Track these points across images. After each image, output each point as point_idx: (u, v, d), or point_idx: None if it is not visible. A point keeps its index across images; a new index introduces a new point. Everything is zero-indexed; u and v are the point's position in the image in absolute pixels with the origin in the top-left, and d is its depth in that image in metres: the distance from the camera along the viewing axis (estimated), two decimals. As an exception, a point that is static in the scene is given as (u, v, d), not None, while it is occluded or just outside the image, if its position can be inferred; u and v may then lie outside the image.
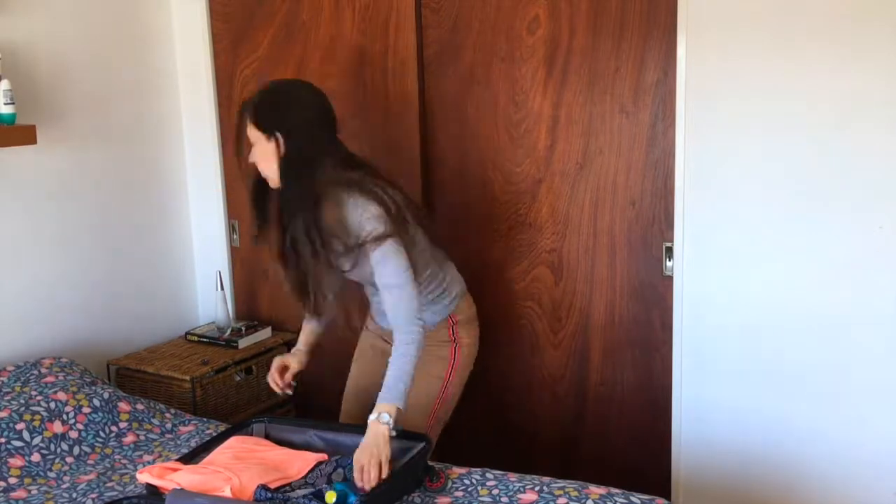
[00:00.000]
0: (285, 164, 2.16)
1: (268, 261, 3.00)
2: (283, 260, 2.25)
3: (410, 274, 2.15)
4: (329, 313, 2.40)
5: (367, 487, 1.91)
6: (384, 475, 1.94)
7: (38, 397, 2.44)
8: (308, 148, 2.17)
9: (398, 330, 2.13)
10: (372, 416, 2.04)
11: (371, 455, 1.95)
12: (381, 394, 2.08)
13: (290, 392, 2.40)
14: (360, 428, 2.19)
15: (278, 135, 2.15)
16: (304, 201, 2.14)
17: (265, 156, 2.18)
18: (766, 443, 2.48)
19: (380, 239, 2.11)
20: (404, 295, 2.13)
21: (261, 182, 2.27)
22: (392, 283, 2.13)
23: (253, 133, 2.18)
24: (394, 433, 2.01)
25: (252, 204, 2.35)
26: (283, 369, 2.41)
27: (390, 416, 2.02)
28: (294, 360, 2.42)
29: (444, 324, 2.38)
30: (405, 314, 2.13)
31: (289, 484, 1.98)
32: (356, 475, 1.94)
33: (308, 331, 2.47)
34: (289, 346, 3.24)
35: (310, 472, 2.03)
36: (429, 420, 2.38)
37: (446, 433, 2.49)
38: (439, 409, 2.39)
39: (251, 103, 2.19)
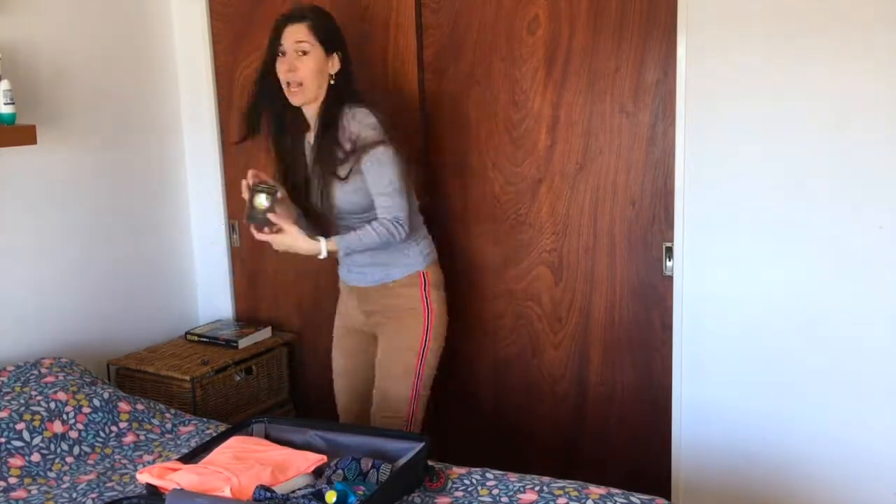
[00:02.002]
0: (337, 83, 2.36)
1: (267, 257, 3.01)
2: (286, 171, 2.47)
3: (402, 186, 2.34)
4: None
5: (274, 220, 2.25)
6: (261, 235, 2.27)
7: (38, 397, 2.44)
8: (352, 75, 2.41)
9: (382, 224, 2.32)
10: (321, 239, 2.30)
11: (284, 243, 2.30)
12: (335, 236, 2.33)
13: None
14: (361, 428, 2.20)
15: (338, 54, 2.37)
16: (337, 118, 2.35)
17: (317, 67, 2.33)
18: (766, 443, 2.48)
19: (375, 144, 2.30)
20: (395, 202, 2.32)
21: (269, 92, 2.40)
22: (386, 191, 2.32)
23: (311, 44, 2.32)
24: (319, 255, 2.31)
25: (253, 109, 2.46)
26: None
27: (328, 249, 2.30)
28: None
29: (416, 279, 2.46)
30: (391, 216, 2.32)
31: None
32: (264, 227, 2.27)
33: None
34: (288, 346, 3.25)
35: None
36: (411, 394, 2.47)
37: (446, 433, 2.49)
38: (418, 384, 2.48)
39: (311, 17, 2.33)
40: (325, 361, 3.12)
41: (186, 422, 2.54)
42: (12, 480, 2.19)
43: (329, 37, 2.36)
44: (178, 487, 1.85)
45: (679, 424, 2.59)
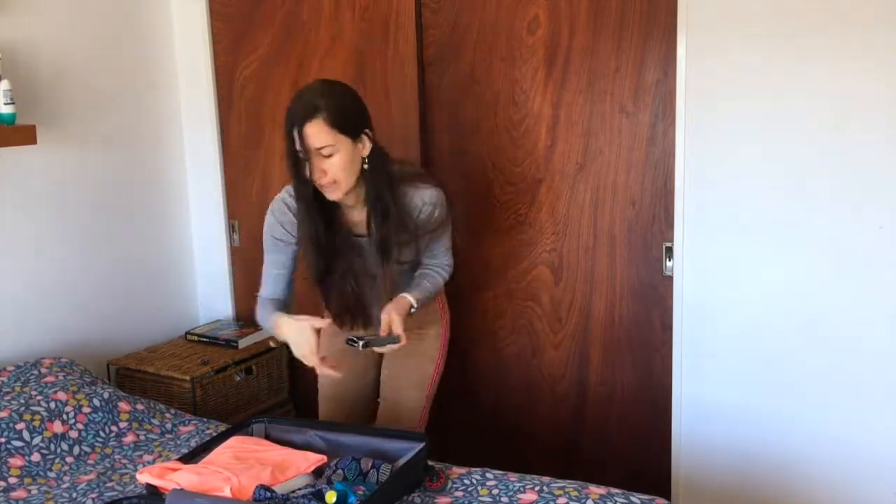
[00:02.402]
0: (373, 162, 2.13)
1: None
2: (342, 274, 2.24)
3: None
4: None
5: (396, 330, 2.12)
6: (396, 331, 2.13)
7: (38, 397, 2.44)
8: (381, 147, 2.18)
9: (440, 261, 2.32)
10: (405, 294, 2.20)
11: (395, 310, 2.14)
12: (414, 286, 2.25)
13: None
14: (361, 428, 2.20)
15: (367, 133, 2.12)
16: (393, 194, 2.17)
17: (350, 160, 2.08)
18: (766, 443, 2.48)
19: (447, 220, 2.26)
20: (450, 252, 2.35)
21: (314, 203, 2.15)
22: (449, 244, 2.33)
23: (335, 142, 2.03)
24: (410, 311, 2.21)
25: (314, 241, 2.19)
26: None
27: (418, 303, 2.20)
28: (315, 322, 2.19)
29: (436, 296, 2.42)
30: (449, 262, 2.35)
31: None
32: (384, 326, 2.12)
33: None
34: (289, 346, 3.24)
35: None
36: (424, 404, 2.42)
37: (446, 433, 2.49)
38: (431, 390, 2.44)
39: (324, 107, 2.02)
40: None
41: (186, 422, 2.54)
42: (12, 480, 2.19)
43: (351, 121, 2.07)
44: (178, 487, 1.85)
45: (679, 424, 2.59)
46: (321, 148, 2.03)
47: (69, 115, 2.89)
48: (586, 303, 2.73)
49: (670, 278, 2.56)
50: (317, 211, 2.16)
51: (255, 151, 3.21)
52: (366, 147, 2.11)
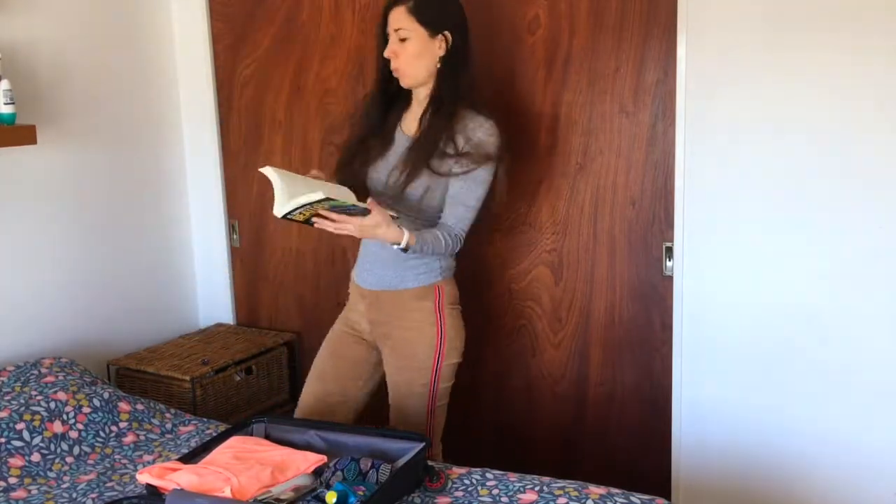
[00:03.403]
0: (449, 63, 2.22)
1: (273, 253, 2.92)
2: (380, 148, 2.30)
3: (479, 208, 2.27)
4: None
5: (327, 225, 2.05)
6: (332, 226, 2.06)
7: (38, 397, 2.44)
8: (467, 49, 2.24)
9: (450, 228, 2.24)
10: (405, 230, 2.13)
11: (368, 226, 2.07)
12: (415, 231, 2.17)
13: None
14: (361, 428, 2.19)
15: (445, 35, 2.21)
16: (456, 103, 2.21)
17: (420, 51, 2.19)
18: (766, 443, 2.48)
19: (489, 159, 2.20)
20: (468, 217, 2.25)
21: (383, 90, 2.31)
22: (472, 203, 2.24)
23: (410, 29, 2.18)
24: (396, 245, 2.14)
25: (377, 106, 2.33)
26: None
27: (407, 244, 2.13)
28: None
29: (430, 292, 2.32)
30: (462, 228, 2.26)
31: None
32: (338, 215, 2.04)
33: None
34: (289, 346, 3.25)
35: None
36: (427, 410, 2.38)
37: (447, 433, 2.48)
38: (433, 401, 2.37)
39: (410, 0, 2.18)
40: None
41: (186, 422, 2.54)
42: (12, 480, 2.19)
43: (434, 17, 2.20)
44: (178, 487, 1.85)
45: (679, 424, 2.59)
46: (398, 30, 2.18)
47: (69, 115, 2.89)
48: (586, 303, 2.73)
49: (670, 278, 2.56)
50: (381, 101, 2.33)
51: (255, 151, 3.21)
52: (441, 47, 2.21)
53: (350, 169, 2.35)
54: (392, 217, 2.13)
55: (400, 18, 2.18)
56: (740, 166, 2.38)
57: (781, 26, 2.26)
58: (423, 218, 2.29)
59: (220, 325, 3.39)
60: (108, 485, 2.18)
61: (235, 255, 3.35)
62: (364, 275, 2.40)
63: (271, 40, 3.08)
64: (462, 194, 2.23)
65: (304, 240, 3.18)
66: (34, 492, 2.16)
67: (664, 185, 2.54)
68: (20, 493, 2.15)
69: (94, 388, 2.56)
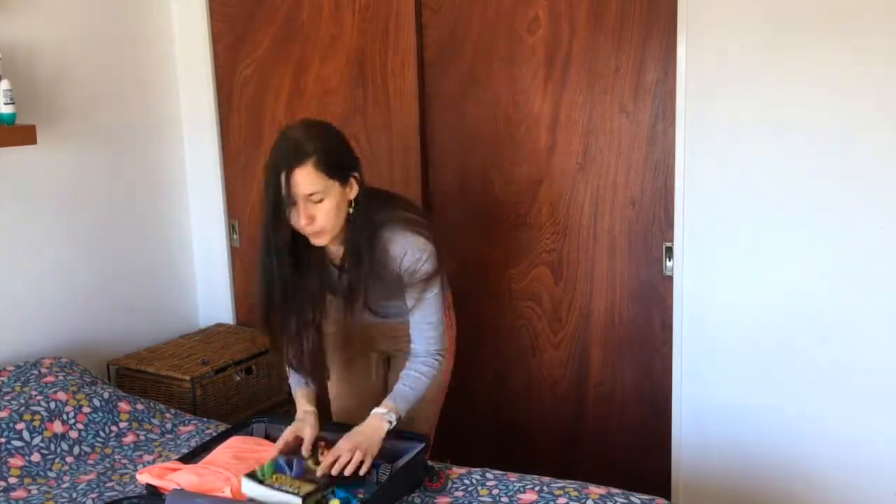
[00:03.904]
0: (361, 204, 2.00)
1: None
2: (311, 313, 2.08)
3: (445, 308, 2.15)
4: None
5: (335, 472, 1.88)
6: (362, 472, 1.90)
7: (38, 397, 2.44)
8: (364, 183, 2.04)
9: (424, 355, 2.11)
10: (380, 410, 2.01)
11: (359, 446, 1.92)
12: (391, 396, 2.06)
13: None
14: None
15: (354, 177, 1.99)
16: (372, 242, 2.02)
17: (338, 205, 1.96)
18: (766, 443, 2.48)
19: (432, 278, 2.06)
20: (440, 329, 2.12)
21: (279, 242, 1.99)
22: (434, 319, 2.10)
23: (322, 185, 1.91)
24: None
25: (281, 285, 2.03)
26: (296, 441, 2.06)
27: (397, 419, 2.02)
28: (306, 425, 2.08)
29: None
30: (436, 346, 2.11)
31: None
32: (328, 458, 1.89)
33: (305, 393, 2.22)
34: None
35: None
36: (435, 414, 2.37)
37: (447, 433, 2.49)
38: (441, 403, 2.39)
39: (313, 150, 1.90)
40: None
41: (186, 422, 2.54)
42: (12, 480, 2.19)
43: (340, 163, 1.96)
44: (178, 487, 1.85)
45: (679, 424, 2.59)
46: (311, 194, 1.91)
47: (69, 115, 2.89)
48: (586, 303, 2.73)
49: (670, 278, 2.56)
50: (288, 254, 2.01)
51: (255, 151, 3.21)
52: (353, 190, 2.00)
53: (300, 358, 2.15)
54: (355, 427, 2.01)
55: (308, 181, 1.89)
56: (740, 166, 2.38)
57: (781, 26, 2.26)
58: (401, 311, 2.18)
59: (220, 325, 3.39)
60: (108, 485, 2.18)
61: (235, 254, 3.35)
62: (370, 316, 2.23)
63: (271, 40, 3.08)
64: (422, 320, 2.10)
65: (304, 240, 3.18)
66: (34, 492, 2.16)
67: (664, 185, 2.54)
68: (20, 493, 2.15)
69: (94, 388, 2.56)
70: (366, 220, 2.02)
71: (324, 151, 1.91)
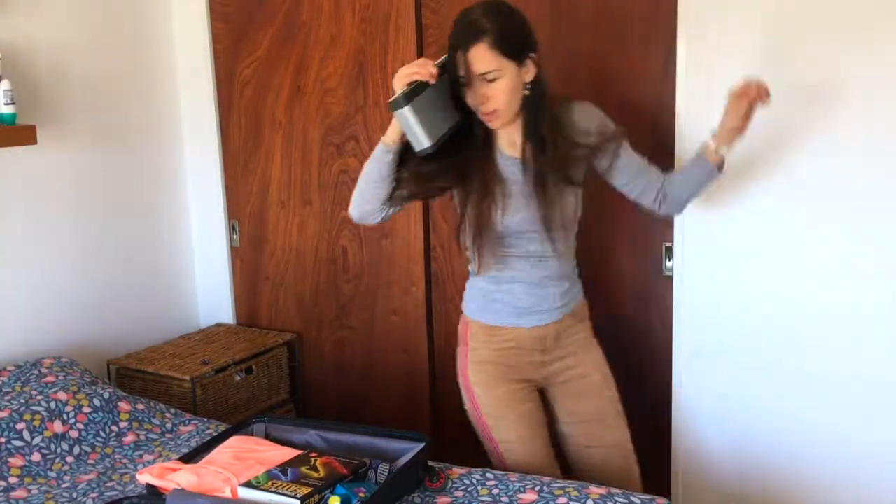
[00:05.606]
0: (537, 88, 1.99)
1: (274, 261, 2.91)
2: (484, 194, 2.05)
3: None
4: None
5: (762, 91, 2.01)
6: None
7: (39, 397, 2.44)
8: (542, 71, 2.02)
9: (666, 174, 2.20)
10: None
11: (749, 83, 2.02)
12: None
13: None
14: (361, 428, 2.19)
15: (531, 57, 1.97)
16: (551, 128, 2.03)
17: (513, 86, 1.95)
18: (766, 443, 2.48)
19: (619, 132, 2.12)
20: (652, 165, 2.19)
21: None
22: (644, 160, 2.18)
23: (497, 64, 1.91)
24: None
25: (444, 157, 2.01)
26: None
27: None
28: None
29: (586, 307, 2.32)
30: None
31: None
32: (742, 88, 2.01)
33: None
34: (289, 346, 3.25)
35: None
36: (628, 430, 2.31)
37: (447, 433, 2.48)
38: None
39: (490, 28, 1.89)
40: (325, 361, 3.12)
41: (186, 422, 2.54)
42: (12, 480, 2.19)
43: (517, 42, 1.93)
44: (178, 487, 1.86)
45: (679, 424, 2.59)
46: (485, 73, 1.91)
47: (69, 115, 2.89)
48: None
49: (670, 278, 2.56)
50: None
51: (255, 151, 3.21)
52: (530, 72, 1.98)
53: (489, 224, 2.08)
54: None
55: (484, 60, 1.90)
56: (739, 166, 2.38)
57: (781, 27, 2.26)
58: (573, 234, 2.20)
59: (220, 325, 3.39)
60: (109, 484, 2.18)
61: (235, 254, 3.35)
62: (537, 311, 2.19)
63: (271, 40, 3.08)
64: (637, 163, 2.17)
65: (304, 239, 3.18)
66: (34, 491, 2.16)
67: (664, 185, 2.54)
68: (20, 493, 2.15)
69: (94, 387, 2.56)
70: (543, 105, 2.02)
71: (499, 31, 1.90)
